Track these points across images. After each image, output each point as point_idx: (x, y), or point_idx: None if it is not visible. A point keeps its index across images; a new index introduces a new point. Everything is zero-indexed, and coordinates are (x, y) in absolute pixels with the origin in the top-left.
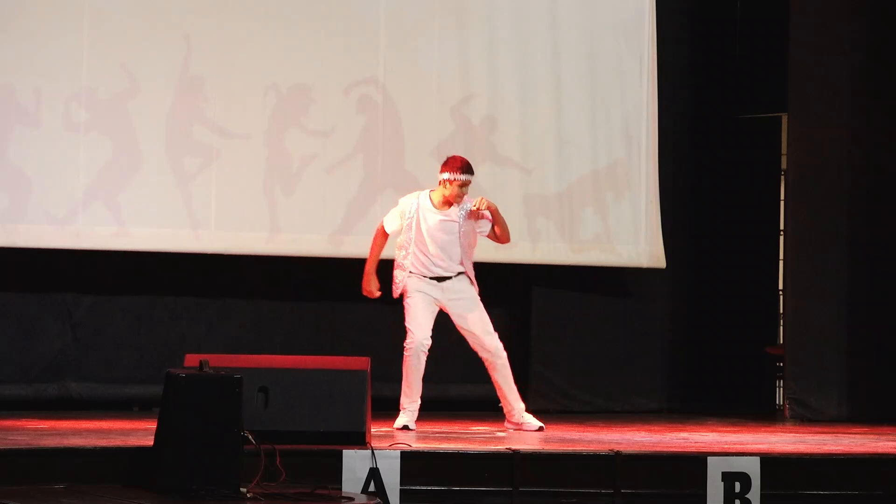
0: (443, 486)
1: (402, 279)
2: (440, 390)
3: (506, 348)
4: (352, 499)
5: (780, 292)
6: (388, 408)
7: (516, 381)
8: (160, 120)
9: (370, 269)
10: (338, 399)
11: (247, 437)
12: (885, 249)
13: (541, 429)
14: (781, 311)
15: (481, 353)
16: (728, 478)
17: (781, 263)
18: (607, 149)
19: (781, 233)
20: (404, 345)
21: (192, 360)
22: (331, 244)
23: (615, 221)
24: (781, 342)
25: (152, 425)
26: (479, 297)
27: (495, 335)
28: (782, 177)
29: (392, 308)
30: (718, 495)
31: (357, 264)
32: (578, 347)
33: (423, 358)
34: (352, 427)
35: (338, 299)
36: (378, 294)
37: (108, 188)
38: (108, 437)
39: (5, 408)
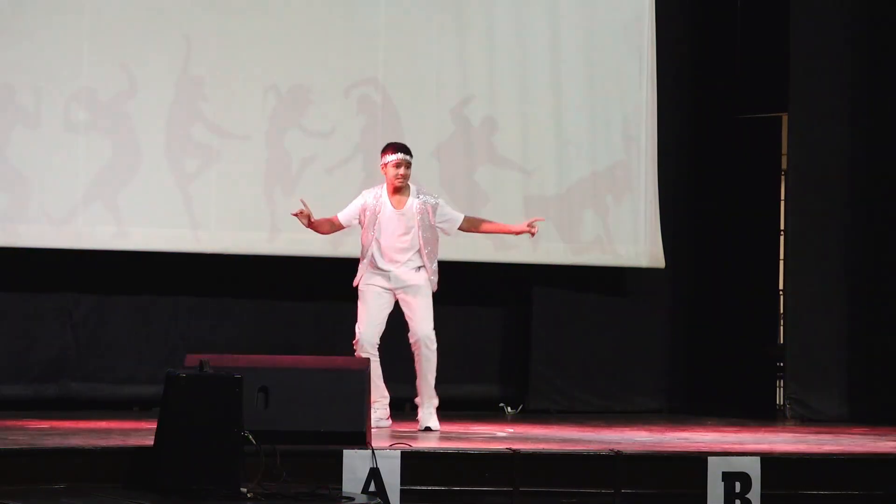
0: (443, 486)
1: (361, 271)
2: (440, 390)
3: (506, 348)
4: (352, 499)
5: (780, 292)
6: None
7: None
8: (160, 120)
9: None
10: (338, 399)
11: (247, 437)
12: (885, 249)
13: (427, 429)
14: (781, 311)
15: (412, 339)
16: (728, 478)
17: (781, 263)
18: (607, 149)
19: (781, 233)
20: (353, 343)
21: (192, 360)
22: (331, 244)
23: (615, 222)
24: (781, 342)
25: (152, 425)
26: (429, 289)
27: (430, 324)
28: (782, 177)
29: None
30: (718, 495)
31: (357, 264)
32: (578, 347)
33: (374, 356)
34: (352, 427)
35: (337, 299)
36: (306, 210)
37: (107, 188)
38: (108, 437)
39: (5, 408)
